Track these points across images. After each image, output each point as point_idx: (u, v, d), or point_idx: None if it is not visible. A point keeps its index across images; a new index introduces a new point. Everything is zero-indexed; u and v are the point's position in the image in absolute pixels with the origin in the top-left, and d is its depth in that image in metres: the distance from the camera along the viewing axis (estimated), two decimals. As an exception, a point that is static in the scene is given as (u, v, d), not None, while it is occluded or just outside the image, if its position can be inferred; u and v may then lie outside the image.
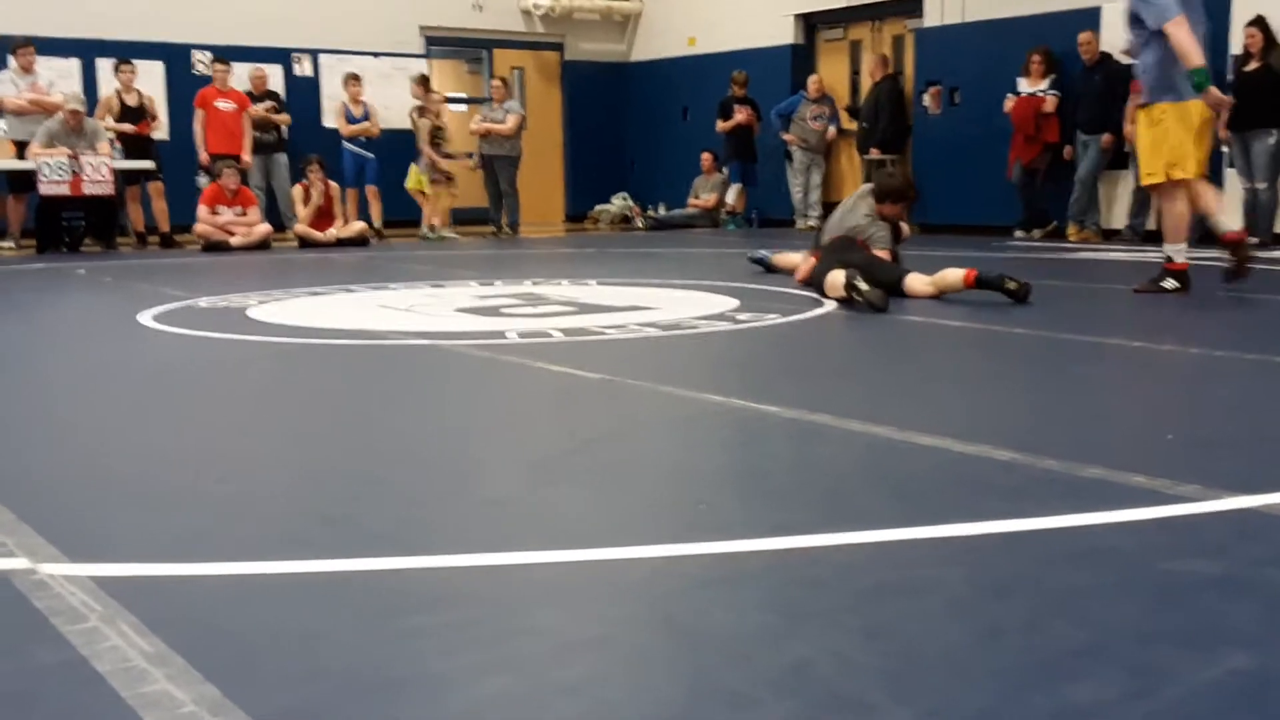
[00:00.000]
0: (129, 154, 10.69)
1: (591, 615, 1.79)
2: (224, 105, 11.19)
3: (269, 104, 11.82)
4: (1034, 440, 2.88)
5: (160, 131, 11.44)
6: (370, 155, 11.87)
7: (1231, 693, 1.49)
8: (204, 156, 11.07)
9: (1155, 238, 9.80)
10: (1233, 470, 2.60)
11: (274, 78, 12.69)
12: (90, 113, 10.49)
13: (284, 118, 12.07)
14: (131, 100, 10.91)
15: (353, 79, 11.94)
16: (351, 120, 11.80)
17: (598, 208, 14.66)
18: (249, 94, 11.74)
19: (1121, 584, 1.89)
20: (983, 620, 1.76)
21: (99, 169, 10.02)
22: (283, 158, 12.04)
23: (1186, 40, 5.45)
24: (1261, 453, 2.82)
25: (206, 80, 11.53)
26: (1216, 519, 2.24)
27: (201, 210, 10.36)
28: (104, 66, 11.82)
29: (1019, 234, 10.56)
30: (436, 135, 11.69)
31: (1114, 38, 10.05)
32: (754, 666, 1.60)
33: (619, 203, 14.51)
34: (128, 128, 10.77)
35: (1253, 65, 8.97)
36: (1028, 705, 1.47)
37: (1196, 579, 1.90)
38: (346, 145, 11.78)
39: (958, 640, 1.68)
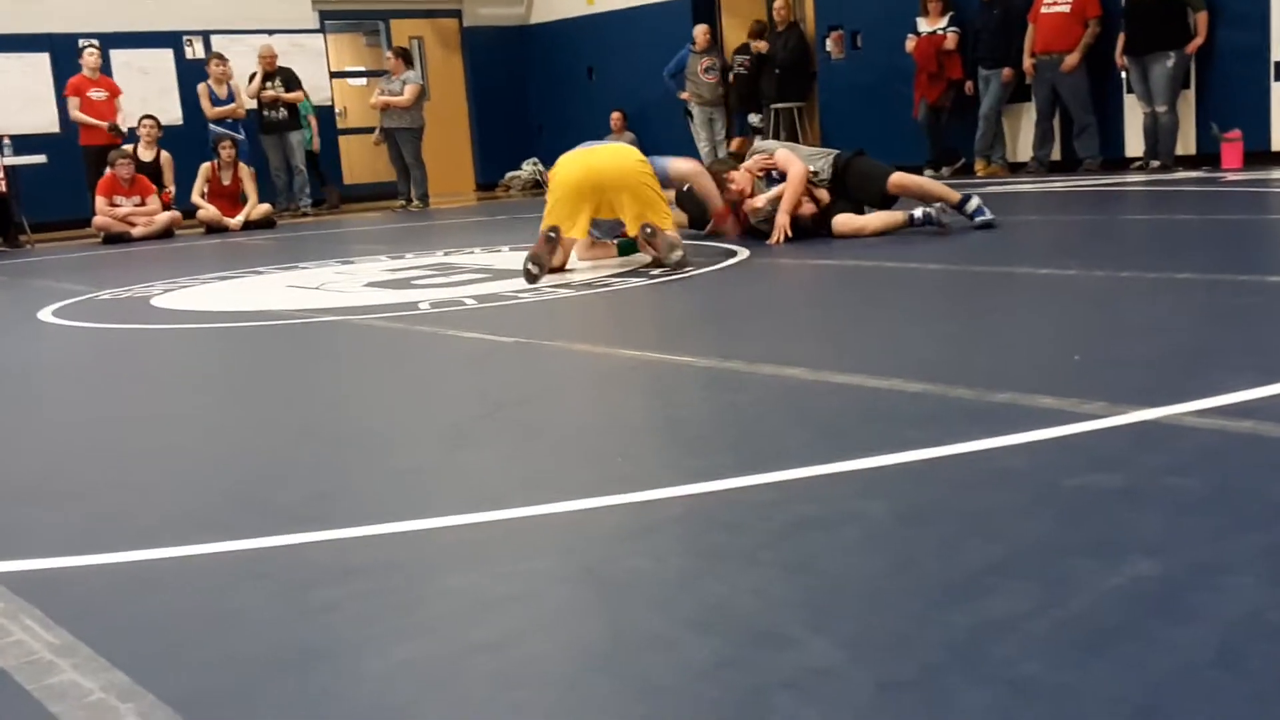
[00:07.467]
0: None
1: (508, 573, 1.77)
2: (96, 95, 10.87)
3: (276, 82, 11.78)
4: (945, 371, 2.91)
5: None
6: (240, 136, 11.59)
7: (1137, 597, 1.52)
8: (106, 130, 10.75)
9: (1060, 168, 10.00)
10: (1135, 386, 2.64)
11: (165, 62, 12.38)
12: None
13: (295, 95, 11.95)
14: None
15: (217, 59, 11.65)
16: (216, 102, 11.53)
17: (508, 174, 14.54)
18: (264, 73, 11.71)
19: (1031, 501, 1.92)
20: (899, 546, 1.77)
21: (-10, 166, 9.77)
22: (297, 135, 11.96)
23: None
24: (1161, 367, 2.88)
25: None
26: (1119, 433, 2.27)
27: (99, 202, 10.11)
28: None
29: (928, 172, 10.65)
30: None
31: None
32: (674, 609, 1.59)
33: (529, 168, 14.40)
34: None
35: (1145, -9, 9.10)
36: (945, 624, 1.48)
37: (1101, 492, 1.93)
38: (213, 127, 11.48)
39: (875, 568, 1.69)
